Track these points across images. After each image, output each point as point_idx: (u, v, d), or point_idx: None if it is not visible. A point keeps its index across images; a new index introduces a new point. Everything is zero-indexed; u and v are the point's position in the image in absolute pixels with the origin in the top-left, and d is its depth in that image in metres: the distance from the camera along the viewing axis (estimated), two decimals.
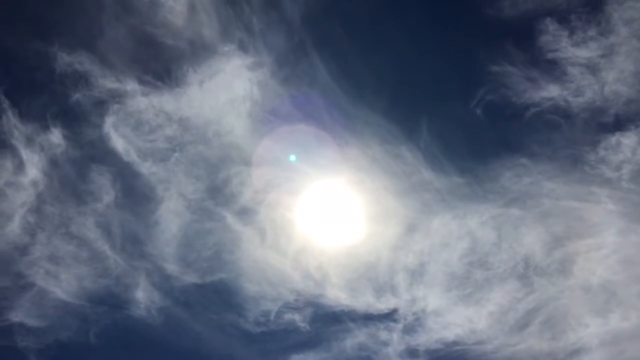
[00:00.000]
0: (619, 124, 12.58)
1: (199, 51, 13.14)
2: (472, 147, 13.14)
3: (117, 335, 13.19)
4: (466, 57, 13.05)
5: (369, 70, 13.35)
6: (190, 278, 13.22)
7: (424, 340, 13.27)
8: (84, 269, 12.94)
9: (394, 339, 13.30)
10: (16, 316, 12.77)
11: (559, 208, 12.98)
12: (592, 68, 12.69)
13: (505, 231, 13.09)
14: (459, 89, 13.09)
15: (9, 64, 12.54)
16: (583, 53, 12.67)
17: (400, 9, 13.23)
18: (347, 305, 13.34)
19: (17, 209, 12.56)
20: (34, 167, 12.62)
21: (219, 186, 13.38)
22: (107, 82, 12.82)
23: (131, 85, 12.90)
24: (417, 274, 13.26)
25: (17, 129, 12.54)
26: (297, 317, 13.36)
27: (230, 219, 13.34)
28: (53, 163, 12.75)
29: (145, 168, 13.08)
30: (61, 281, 12.87)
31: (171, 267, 13.17)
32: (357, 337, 13.41)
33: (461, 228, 13.18)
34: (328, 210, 13.52)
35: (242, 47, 13.22)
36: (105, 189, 12.95)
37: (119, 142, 12.94)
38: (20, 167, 12.57)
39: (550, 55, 12.72)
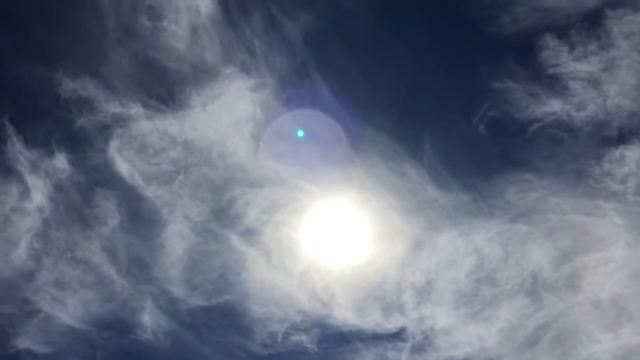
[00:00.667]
0: (623, 137, 12.58)
1: (202, 74, 13.26)
2: (476, 164, 13.13)
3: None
4: (468, 74, 13.11)
5: (372, 89, 13.42)
6: (197, 301, 13.16)
7: (433, 359, 13.13)
8: (90, 294, 12.91)
9: (403, 359, 13.16)
10: (23, 343, 12.71)
11: (566, 223, 12.91)
12: (593, 82, 12.72)
13: (512, 247, 13.01)
14: (462, 106, 13.13)
15: (14, 90, 12.66)
16: (584, 67, 12.71)
17: (401, 27, 13.32)
18: (354, 325, 13.24)
19: (23, 235, 12.57)
20: (39, 193, 12.66)
21: (223, 208, 13.37)
22: (111, 107, 12.91)
23: (135, 109, 12.98)
24: (424, 292, 13.16)
25: (22, 154, 12.61)
26: (304, 338, 13.26)
27: (235, 240, 13.32)
28: (58, 188, 12.79)
29: (150, 191, 13.11)
30: (67, 306, 12.83)
31: (177, 290, 13.12)
32: (366, 358, 13.28)
33: (467, 245, 13.12)
34: (334, 230, 13.49)
35: (245, 69, 13.32)
36: (110, 212, 12.96)
37: (123, 166, 12.98)
38: (25, 193, 12.61)
39: (551, 71, 12.77)
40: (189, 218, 13.27)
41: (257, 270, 13.39)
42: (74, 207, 12.86)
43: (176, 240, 13.20)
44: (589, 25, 12.57)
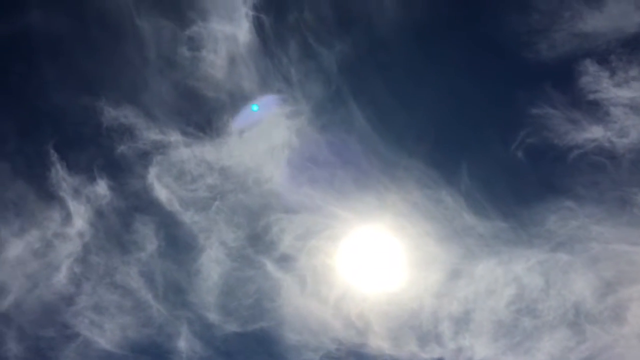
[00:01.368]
0: None
1: (239, 102, 13.45)
2: (515, 191, 12.90)
3: None
4: (505, 100, 13.00)
5: (407, 115, 13.42)
6: (232, 327, 13.15)
7: None
8: (128, 319, 13.03)
9: None
10: None
11: (609, 252, 12.52)
12: (635, 108, 12.45)
13: (553, 277, 12.67)
14: (499, 132, 13.00)
15: (59, 119, 13.08)
16: (625, 93, 12.47)
17: (436, 54, 13.35)
18: (390, 355, 13.01)
19: (64, 260, 12.83)
20: (80, 218, 12.94)
21: (259, 234, 13.43)
22: (151, 134, 13.19)
23: (174, 137, 13.24)
24: (462, 322, 12.87)
25: (65, 181, 12.94)
26: None
27: (270, 266, 13.32)
28: (99, 214, 13.05)
29: (187, 217, 13.27)
30: (105, 331, 12.97)
31: (212, 316, 13.15)
32: None
33: (507, 274, 12.82)
34: (369, 257, 13.38)
35: (281, 97, 13.45)
36: (148, 238, 13.15)
37: (162, 192, 13.19)
38: (67, 218, 12.91)
39: (591, 97, 12.55)
40: (224, 244, 13.36)
41: (292, 297, 13.34)
42: (114, 232, 13.11)
43: (212, 265, 13.28)
44: (630, 51, 12.37)
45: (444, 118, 13.33)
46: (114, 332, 13.03)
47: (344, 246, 13.42)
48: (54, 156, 12.86)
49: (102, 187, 13.04)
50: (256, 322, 13.27)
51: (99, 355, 13.00)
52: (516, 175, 12.99)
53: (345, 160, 13.46)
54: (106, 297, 13.00)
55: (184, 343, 13.14)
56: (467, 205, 12.99)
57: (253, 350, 13.32)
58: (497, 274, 12.93)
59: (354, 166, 13.41)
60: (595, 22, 12.50)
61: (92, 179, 12.99)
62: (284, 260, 13.35)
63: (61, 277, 12.80)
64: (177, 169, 13.32)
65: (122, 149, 13.12)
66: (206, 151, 13.42)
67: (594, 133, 12.61)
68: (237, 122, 13.44)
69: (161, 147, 13.25)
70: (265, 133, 13.48)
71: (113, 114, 13.04)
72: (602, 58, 12.52)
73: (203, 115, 13.44)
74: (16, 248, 12.65)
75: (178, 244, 13.33)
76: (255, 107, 13.37)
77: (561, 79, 12.73)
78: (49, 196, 12.85)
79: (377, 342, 13.13)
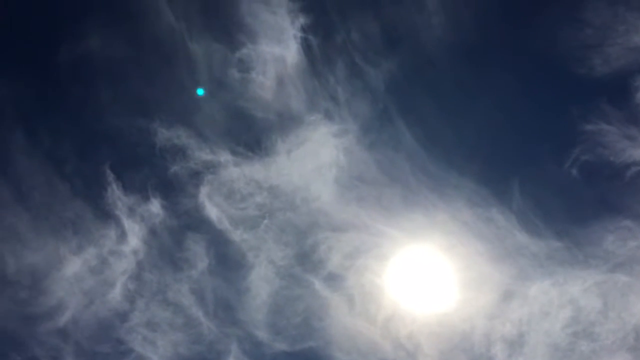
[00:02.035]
0: None
1: (287, 122, 13.66)
2: (569, 209, 12.56)
3: None
4: (558, 117, 12.74)
5: (456, 133, 13.30)
6: (281, 345, 13.17)
7: None
8: (179, 335, 13.23)
9: None
10: None
11: None
12: None
13: (611, 299, 12.20)
14: (552, 149, 12.71)
15: (115, 140, 13.54)
16: None
17: (486, 71, 13.25)
18: None
19: (119, 277, 13.19)
20: (134, 236, 13.30)
21: (307, 252, 13.48)
22: (202, 154, 13.50)
23: (224, 157, 13.51)
24: (516, 345, 12.51)
25: (120, 200, 13.35)
26: None
27: (318, 285, 13.33)
28: (152, 232, 13.39)
29: (237, 235, 13.45)
30: (157, 347, 13.20)
31: (261, 334, 13.22)
32: None
33: (562, 295, 12.43)
34: (418, 276, 13.23)
35: (328, 116, 13.61)
36: (199, 256, 13.38)
37: (212, 211, 13.44)
38: (122, 236, 13.29)
39: None
40: (273, 262, 13.46)
41: (340, 316, 13.28)
42: (166, 250, 13.40)
43: (261, 284, 13.39)
44: None
45: (494, 135, 13.17)
46: (166, 348, 13.25)
47: (392, 265, 13.32)
48: (110, 176, 13.31)
49: (155, 206, 13.38)
50: (305, 342, 13.25)
51: None
52: (570, 193, 12.66)
53: (393, 178, 13.42)
54: (159, 314, 13.26)
55: None
56: (519, 224, 12.72)
57: None
58: (552, 296, 12.55)
59: (402, 184, 13.36)
60: None
61: (146, 198, 13.36)
62: (332, 279, 13.34)
63: (116, 294, 13.14)
64: (227, 188, 13.57)
65: (174, 168, 13.46)
66: (255, 170, 13.62)
67: None
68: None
69: (212, 167, 13.54)
70: (313, 152, 13.59)
71: (166, 135, 13.42)
72: None
73: (252, 135, 13.68)
74: (74, 265, 13.09)
75: (228, 261, 13.51)
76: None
77: (616, 94, 12.41)
78: (105, 215, 13.28)
79: None
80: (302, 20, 13.44)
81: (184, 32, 13.44)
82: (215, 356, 13.23)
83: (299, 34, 13.45)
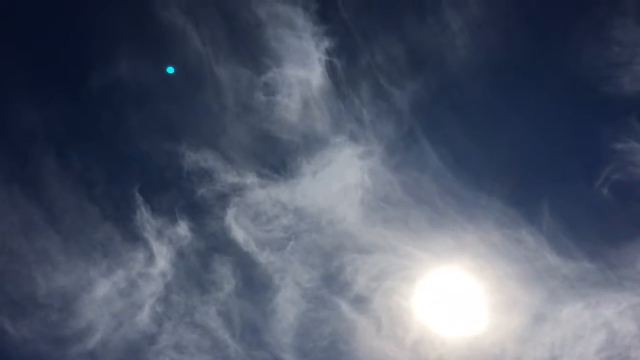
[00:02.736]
0: None
1: (313, 144, 13.73)
2: (601, 230, 12.29)
3: None
4: (587, 136, 12.58)
5: (483, 153, 13.20)
6: None
7: None
8: (207, 358, 13.24)
9: None
10: None
11: None
12: None
13: None
14: (582, 169, 12.53)
15: (144, 164, 13.77)
16: None
17: (513, 91, 13.17)
18: None
19: (147, 299, 13.29)
20: (163, 259, 13.42)
21: (333, 274, 13.43)
22: (229, 177, 13.63)
23: (251, 179, 13.62)
24: None
25: (149, 223, 13.51)
26: None
27: (345, 307, 13.24)
28: (180, 254, 13.51)
29: (264, 257, 13.48)
30: None
31: (288, 358, 13.15)
32: None
33: (596, 319, 12.12)
34: (446, 299, 13.05)
35: (353, 138, 13.65)
36: (226, 278, 13.44)
37: (239, 233, 13.51)
38: (151, 259, 13.43)
39: None
40: (299, 284, 13.43)
41: (368, 339, 13.15)
42: (194, 272, 13.49)
43: (287, 306, 13.35)
44: None
45: (522, 155, 13.03)
46: None
47: (420, 288, 13.18)
48: (139, 200, 13.49)
49: (183, 229, 13.51)
50: None
51: None
52: (602, 214, 12.42)
53: (419, 199, 13.34)
54: (186, 337, 13.30)
55: None
56: (549, 245, 12.51)
57: None
58: (585, 319, 12.25)
59: (429, 206, 13.26)
60: None
61: (174, 221, 13.50)
62: (359, 302, 13.25)
63: (144, 317, 13.23)
64: (253, 210, 13.64)
65: (202, 191, 13.61)
66: (281, 192, 13.69)
67: None
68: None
69: (238, 190, 13.65)
70: (339, 174, 13.62)
71: (194, 158, 13.60)
72: None
73: (278, 157, 13.78)
74: (104, 288, 13.25)
75: (254, 284, 13.52)
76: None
77: None
78: (134, 238, 13.45)
79: None
80: (326, 43, 13.59)
81: (211, 57, 13.69)
82: None
83: (324, 57, 13.60)
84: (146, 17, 13.61)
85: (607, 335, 12.10)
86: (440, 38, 13.24)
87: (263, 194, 13.62)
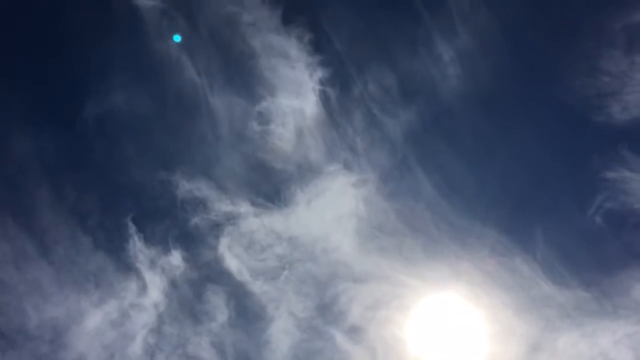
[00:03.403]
0: None
1: (306, 172, 13.78)
2: (595, 258, 12.32)
3: None
4: (578, 165, 12.71)
5: (476, 181, 13.27)
6: None
7: None
8: None
9: None
10: None
11: None
12: None
13: None
14: (574, 197, 12.61)
15: (138, 193, 13.75)
16: None
17: (504, 120, 13.33)
18: None
19: (139, 330, 13.11)
20: (155, 289, 13.30)
21: (327, 304, 13.33)
22: (222, 206, 13.61)
23: (244, 208, 13.60)
24: None
25: (142, 252, 13.42)
26: None
27: (339, 338, 13.10)
28: (173, 284, 13.39)
29: (257, 287, 13.38)
30: None
31: None
32: None
33: (592, 348, 12.04)
34: (442, 328, 12.93)
35: (347, 166, 13.70)
36: (219, 308, 13.29)
37: (232, 262, 13.43)
38: (143, 288, 13.29)
39: None
40: (293, 314, 13.30)
41: None
42: (187, 302, 13.35)
43: (281, 336, 13.20)
44: None
45: (515, 183, 13.11)
46: None
47: (415, 317, 13.09)
48: (132, 229, 13.43)
49: (176, 258, 13.42)
50: None
51: None
52: (596, 242, 12.45)
53: (413, 228, 13.35)
54: None
55: None
56: (544, 273, 12.49)
57: None
58: (581, 348, 12.16)
59: (423, 234, 13.26)
60: None
61: (167, 250, 13.43)
62: (354, 332, 13.12)
63: (136, 348, 13.04)
64: (247, 239, 13.59)
65: (195, 220, 13.56)
66: (275, 221, 13.66)
67: None
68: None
69: (232, 218, 13.62)
70: (333, 202, 13.62)
71: (187, 187, 13.59)
72: None
73: (272, 186, 13.80)
74: (95, 319, 13.07)
75: (248, 314, 13.39)
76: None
77: (637, 141, 12.35)
78: (127, 267, 13.34)
79: None
80: (320, 73, 13.75)
81: (205, 87, 13.81)
82: None
83: (317, 87, 13.74)
84: (141, 48, 13.77)
85: None
86: (431, 68, 13.44)
87: (257, 222, 13.59)
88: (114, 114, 13.96)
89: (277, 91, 13.85)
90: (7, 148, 13.45)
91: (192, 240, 13.56)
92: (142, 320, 13.15)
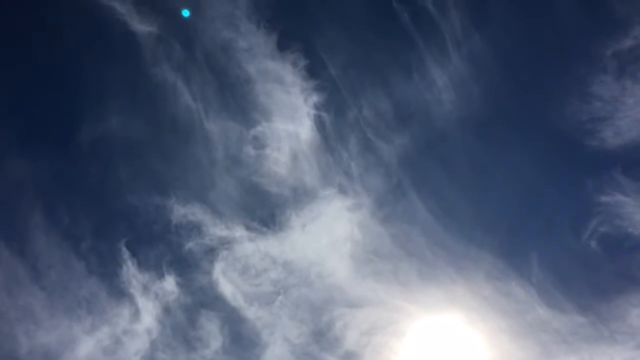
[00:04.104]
0: None
1: (301, 196, 13.76)
2: (591, 283, 12.32)
3: None
4: (573, 189, 12.75)
5: (471, 206, 13.29)
6: None
7: None
8: None
9: None
10: None
11: None
12: None
13: None
14: (569, 222, 12.66)
15: (132, 218, 13.68)
16: None
17: (498, 145, 13.40)
18: None
19: (132, 358, 12.93)
20: (148, 315, 13.14)
21: (322, 329, 13.20)
22: (217, 230, 13.55)
23: (239, 232, 13.53)
24: None
25: (135, 278, 13.31)
26: None
27: None
28: (166, 310, 13.25)
29: (251, 312, 13.26)
30: None
31: None
32: None
33: None
34: (438, 354, 12.80)
35: (342, 190, 13.70)
36: (213, 334, 13.14)
37: (227, 288, 13.33)
38: (136, 315, 13.14)
39: None
40: (288, 340, 13.17)
41: None
42: (180, 329, 13.19)
43: None
44: None
45: (509, 208, 13.13)
46: None
47: (410, 342, 12.98)
48: (126, 254, 13.34)
49: (169, 283, 13.31)
50: None
51: None
52: (591, 266, 12.44)
53: (408, 252, 13.31)
54: None
55: None
56: (540, 298, 12.45)
57: None
58: None
59: (418, 258, 13.23)
60: None
61: (160, 276, 13.32)
62: (349, 358, 13.01)
63: None
64: (241, 263, 13.51)
65: (189, 245, 13.48)
66: (270, 245, 13.60)
67: None
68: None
69: (226, 243, 13.55)
70: (328, 226, 13.59)
71: (182, 211, 13.54)
72: None
73: (267, 210, 13.77)
74: (87, 345, 12.89)
75: (242, 340, 13.25)
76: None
77: (630, 165, 12.43)
78: (120, 293, 13.22)
79: None
80: (315, 98, 13.83)
81: (201, 112, 13.85)
82: None
83: (313, 112, 13.81)
84: (137, 73, 13.84)
85: None
86: (425, 93, 13.56)
87: (251, 247, 13.53)
88: (109, 138, 13.97)
89: (273, 116, 13.92)
90: (2, 171, 13.40)
91: (186, 265, 13.47)
92: (135, 347, 12.98)
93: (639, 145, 12.49)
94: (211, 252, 13.50)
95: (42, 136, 13.82)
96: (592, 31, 12.87)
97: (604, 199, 12.43)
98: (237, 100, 13.91)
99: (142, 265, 13.37)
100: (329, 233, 13.57)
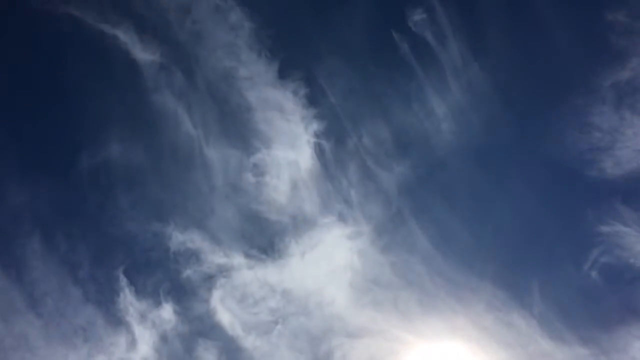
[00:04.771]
0: None
1: (301, 224, 13.72)
2: (592, 314, 12.19)
3: None
4: (573, 219, 12.75)
5: (472, 235, 13.25)
6: None
7: None
8: None
9: None
10: None
11: None
12: None
13: None
14: (570, 252, 12.60)
15: (130, 245, 13.60)
16: None
17: (498, 174, 13.42)
18: None
19: None
20: (145, 344, 12.99)
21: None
22: (215, 258, 13.48)
23: (237, 260, 13.47)
24: None
25: (132, 306, 13.18)
26: None
27: None
28: (163, 339, 13.09)
29: (249, 342, 13.10)
30: None
31: None
32: None
33: None
34: None
35: (342, 218, 13.67)
36: None
37: (224, 316, 13.20)
38: (132, 343, 12.99)
39: None
40: None
41: None
42: (177, 358, 13.02)
43: None
44: None
45: (510, 237, 13.09)
46: None
47: None
48: (124, 281, 13.23)
49: (167, 312, 13.18)
50: None
51: None
52: (592, 297, 12.35)
53: (408, 281, 13.22)
54: None
55: None
56: (541, 329, 12.32)
57: None
58: None
59: (418, 287, 13.13)
60: None
61: (158, 304, 13.19)
62: None
63: None
64: (239, 292, 13.40)
65: (187, 272, 13.40)
66: (268, 273, 13.51)
67: None
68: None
69: (225, 270, 13.46)
70: (327, 254, 13.53)
71: (180, 238, 13.48)
72: None
73: (266, 237, 13.71)
74: None
75: None
76: None
77: (630, 195, 12.44)
78: (117, 321, 13.06)
79: None
80: (315, 126, 13.90)
81: (201, 139, 13.89)
82: None
83: (312, 139, 13.86)
84: (138, 101, 13.92)
85: None
86: (425, 122, 13.63)
87: (250, 274, 13.44)
88: (109, 166, 13.98)
89: (272, 143, 13.96)
90: (0, 197, 13.38)
91: (183, 293, 13.37)
92: None
93: (639, 176, 12.44)
94: (209, 280, 13.41)
95: (41, 163, 13.83)
96: (590, 62, 13.02)
97: (604, 229, 12.41)
98: (238, 127, 13.99)
99: (139, 292, 13.28)
100: (329, 261, 13.50)
